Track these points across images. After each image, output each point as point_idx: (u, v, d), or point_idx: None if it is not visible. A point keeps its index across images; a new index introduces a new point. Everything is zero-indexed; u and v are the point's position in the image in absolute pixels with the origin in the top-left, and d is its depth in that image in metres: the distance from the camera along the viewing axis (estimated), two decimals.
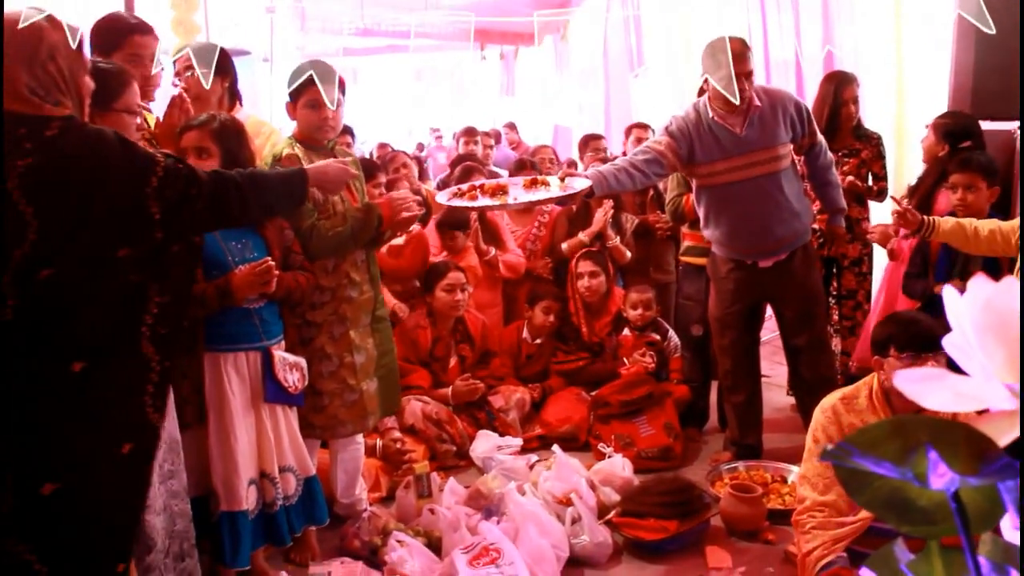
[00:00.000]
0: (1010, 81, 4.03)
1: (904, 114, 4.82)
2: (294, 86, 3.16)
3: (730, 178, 3.81)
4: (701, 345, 4.62)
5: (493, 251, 4.80)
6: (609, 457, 3.98)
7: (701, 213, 4.02)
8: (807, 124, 3.88)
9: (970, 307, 0.72)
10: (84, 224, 1.94)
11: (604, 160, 5.22)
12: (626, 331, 4.64)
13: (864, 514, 2.79)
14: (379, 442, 3.86)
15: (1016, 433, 0.71)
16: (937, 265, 3.79)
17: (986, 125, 4.17)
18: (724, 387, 4.24)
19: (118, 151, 2.00)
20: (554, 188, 3.21)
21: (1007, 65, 4.03)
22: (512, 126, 10.61)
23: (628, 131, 6.49)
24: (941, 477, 0.73)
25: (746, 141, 3.77)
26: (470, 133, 6.72)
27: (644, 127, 6.53)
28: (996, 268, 3.60)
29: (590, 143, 6.41)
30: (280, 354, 2.88)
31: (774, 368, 5.16)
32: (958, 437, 0.72)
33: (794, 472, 3.92)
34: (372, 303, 3.31)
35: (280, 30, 10.30)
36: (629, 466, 3.87)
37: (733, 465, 4.05)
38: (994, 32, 3.71)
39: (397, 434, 3.95)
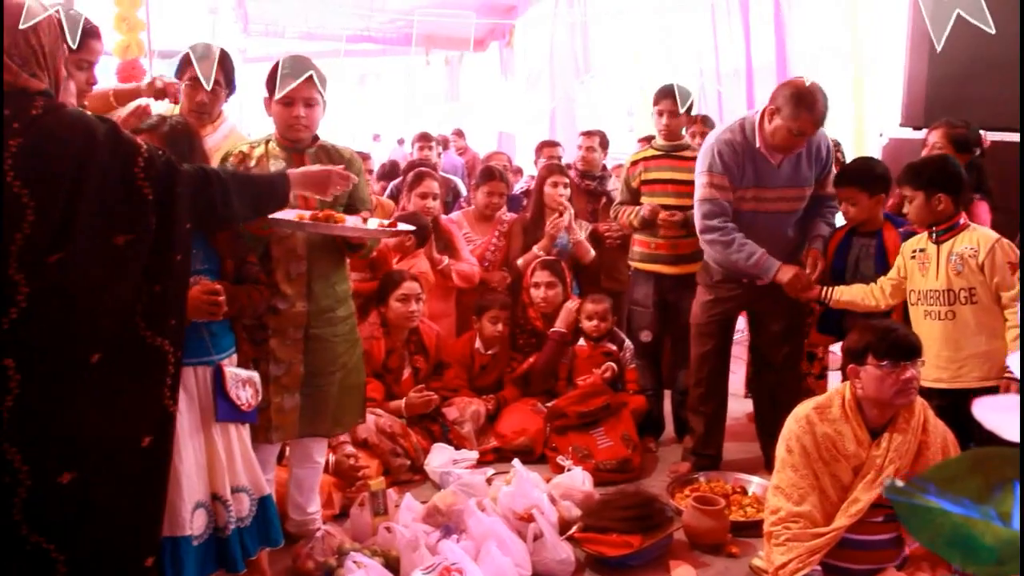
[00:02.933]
0: (962, 91, 4.06)
1: (863, 121, 4.83)
2: (273, 82, 3.06)
3: (755, 207, 3.81)
4: (652, 352, 4.58)
5: (446, 260, 4.70)
6: (568, 470, 3.89)
7: None
8: (827, 174, 3.91)
9: None
10: (78, 206, 1.94)
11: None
12: (582, 341, 4.56)
13: (839, 524, 2.75)
14: (331, 457, 3.73)
15: None
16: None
17: None
18: (694, 396, 4.18)
19: (103, 131, 1.99)
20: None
21: (959, 75, 4.07)
22: (459, 132, 10.53)
23: (539, 149, 6.48)
24: None
25: (780, 176, 3.78)
26: (425, 139, 6.62)
27: (554, 144, 6.54)
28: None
29: (545, 149, 6.37)
30: (232, 370, 2.73)
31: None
32: None
33: (754, 483, 3.90)
34: (304, 319, 3.12)
35: (222, 32, 10.10)
36: (589, 479, 3.79)
37: (693, 476, 4.00)
38: (994, 31, 3.73)
39: (350, 448, 3.82)
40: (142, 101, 3.32)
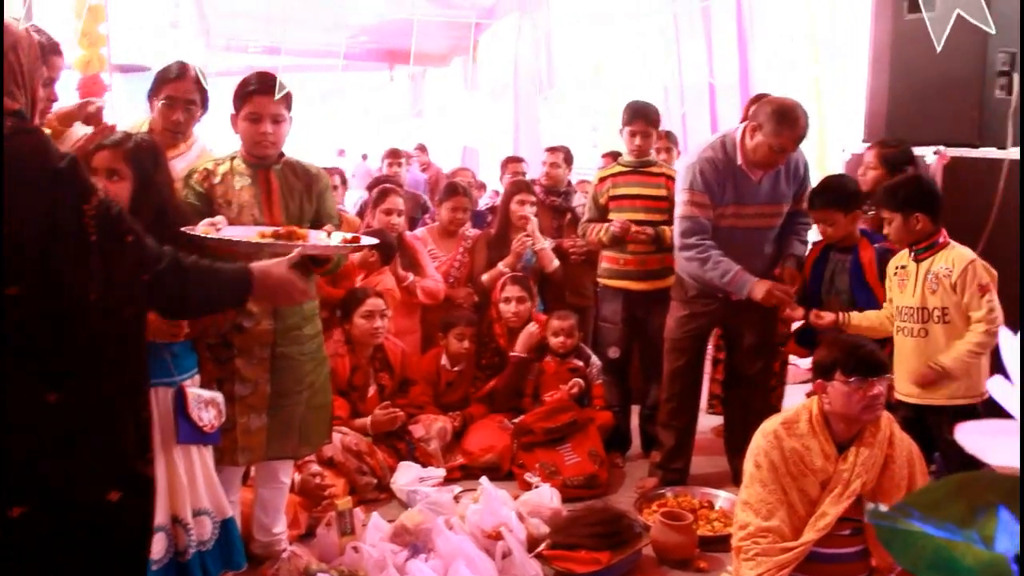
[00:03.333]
0: (923, 107, 4.11)
1: (825, 136, 4.88)
2: (240, 98, 3.04)
3: (734, 223, 3.84)
4: (620, 368, 4.58)
5: (411, 276, 4.67)
6: (536, 487, 3.88)
7: None
8: (804, 190, 3.95)
9: None
10: (35, 234, 1.82)
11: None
12: (548, 358, 4.55)
13: (807, 538, 2.76)
14: (297, 476, 3.68)
15: None
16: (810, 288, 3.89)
17: None
18: (666, 410, 4.18)
19: (64, 164, 1.88)
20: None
21: (920, 91, 4.11)
22: (422, 148, 10.52)
23: (504, 165, 6.49)
24: (1012, 539, 0.65)
25: (759, 192, 3.82)
26: (394, 155, 6.58)
27: (518, 160, 6.56)
28: (864, 288, 3.69)
29: (509, 165, 6.37)
30: (194, 391, 2.69)
31: None
32: None
33: (721, 497, 3.90)
34: (270, 337, 3.07)
35: (184, 46, 10.01)
36: (557, 496, 3.78)
37: (660, 491, 4.00)
38: (994, 33, 3.77)
39: (316, 467, 3.77)
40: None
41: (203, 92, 3.36)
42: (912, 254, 3.38)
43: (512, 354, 4.55)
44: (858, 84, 4.59)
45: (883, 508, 0.67)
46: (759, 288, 3.71)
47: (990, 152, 4.06)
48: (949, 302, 3.24)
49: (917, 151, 4.13)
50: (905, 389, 3.34)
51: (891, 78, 4.22)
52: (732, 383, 4.25)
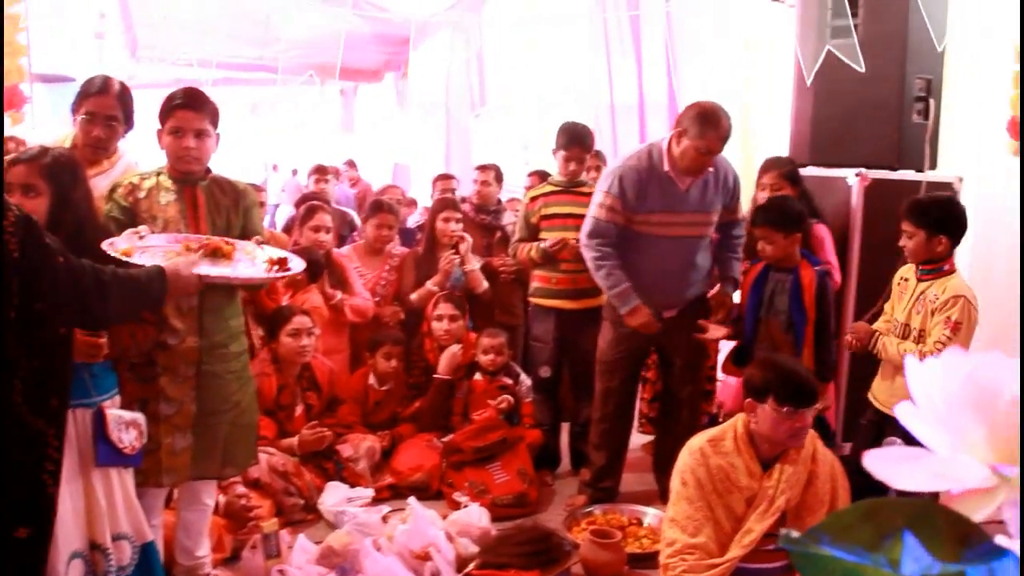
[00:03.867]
0: (845, 131, 4.22)
1: (752, 158, 4.96)
2: (165, 113, 2.99)
3: (662, 232, 3.87)
4: (550, 387, 4.59)
5: (339, 295, 4.62)
6: (464, 506, 3.86)
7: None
8: (736, 200, 4.01)
9: (945, 380, 0.66)
10: None
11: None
12: (478, 375, 4.54)
13: (733, 554, 2.79)
14: (221, 498, 3.61)
15: (991, 509, 0.66)
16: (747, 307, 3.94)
17: (824, 172, 4.34)
18: (598, 430, 4.19)
19: None
20: (260, 263, 2.98)
21: (843, 116, 4.22)
22: (351, 163, 10.44)
23: (434, 182, 6.51)
24: (916, 563, 0.66)
25: (687, 200, 3.85)
26: (321, 171, 6.49)
27: (449, 178, 6.58)
28: (802, 310, 3.76)
29: (439, 182, 6.36)
30: (114, 412, 2.62)
31: None
32: (938, 522, 0.66)
33: (650, 514, 3.94)
34: (195, 354, 3.01)
35: (109, 57, 9.80)
36: (486, 515, 3.76)
37: (589, 509, 4.02)
38: (863, 70, 3.89)
39: (241, 489, 3.70)
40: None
41: (127, 107, 3.28)
42: (917, 271, 3.40)
43: (436, 376, 4.53)
44: (784, 107, 4.68)
45: (795, 534, 0.68)
46: (637, 315, 3.84)
47: (908, 174, 4.19)
48: (927, 325, 3.28)
49: (839, 172, 4.25)
50: (880, 394, 3.44)
51: (815, 103, 4.33)
52: (664, 402, 4.30)
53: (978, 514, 0.67)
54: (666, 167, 3.81)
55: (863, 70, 4.05)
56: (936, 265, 3.34)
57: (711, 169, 3.84)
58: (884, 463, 0.67)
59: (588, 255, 3.91)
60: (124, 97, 3.27)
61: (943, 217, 3.33)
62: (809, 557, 0.70)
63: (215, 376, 3.07)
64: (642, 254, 3.89)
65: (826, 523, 0.68)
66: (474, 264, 4.86)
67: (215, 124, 3.04)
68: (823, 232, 4.05)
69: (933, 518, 0.66)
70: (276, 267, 2.92)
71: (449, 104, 10.34)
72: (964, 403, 0.65)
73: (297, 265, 3.01)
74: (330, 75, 13.29)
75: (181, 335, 2.98)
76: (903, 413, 0.72)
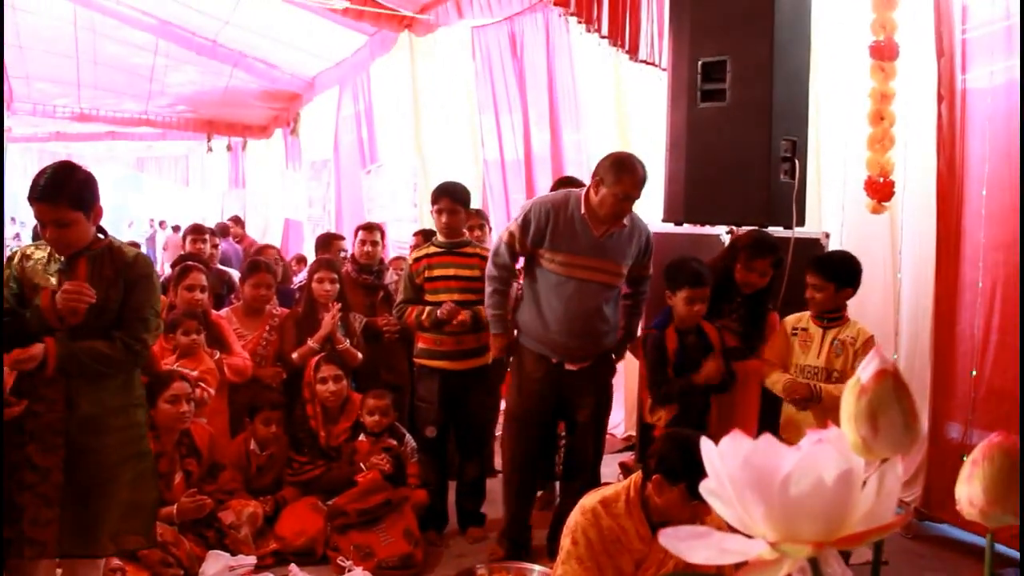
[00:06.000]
0: (716, 189, 4.39)
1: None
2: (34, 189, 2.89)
3: (572, 273, 3.92)
4: (436, 446, 4.58)
5: (218, 354, 4.54)
6: (349, 570, 3.82)
7: (524, 298, 4.10)
8: (648, 257, 4.13)
9: (727, 463, 0.72)
10: None
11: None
12: (362, 437, 4.50)
13: None
14: None
15: None
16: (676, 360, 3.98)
17: (697, 230, 4.49)
18: (508, 482, 4.25)
19: None
20: None
21: (714, 175, 4.39)
22: (237, 219, 10.32)
23: (325, 242, 6.53)
24: None
25: (601, 247, 3.92)
26: (197, 231, 6.38)
27: (339, 238, 6.61)
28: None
29: (332, 243, 6.35)
30: None
31: None
32: None
33: (536, 571, 3.93)
34: (62, 425, 2.90)
35: None
36: None
37: (475, 567, 4.00)
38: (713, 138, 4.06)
39: (116, 562, 3.57)
40: None
41: None
42: (823, 321, 3.81)
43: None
44: (659, 168, 4.83)
45: None
46: (497, 340, 4.12)
47: (777, 231, 4.36)
48: (847, 367, 3.63)
49: (712, 230, 4.39)
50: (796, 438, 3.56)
51: (687, 162, 4.48)
52: (567, 462, 4.37)
53: None
54: (582, 210, 3.91)
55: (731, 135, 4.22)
56: (838, 313, 3.81)
57: (627, 224, 3.95)
58: (676, 540, 0.72)
59: (488, 272, 4.13)
60: None
61: (852, 272, 3.79)
62: None
63: (87, 450, 2.96)
64: (552, 295, 3.96)
65: None
66: (345, 343, 4.87)
67: (82, 206, 2.90)
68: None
69: None
70: None
71: (339, 160, 10.35)
72: (744, 484, 0.70)
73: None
74: (217, 131, 13.22)
75: (51, 403, 2.89)
76: (705, 489, 0.77)
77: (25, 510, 2.83)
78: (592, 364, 4.05)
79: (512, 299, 4.25)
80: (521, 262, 4.15)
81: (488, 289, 4.11)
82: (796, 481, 0.69)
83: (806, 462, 0.70)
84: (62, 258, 2.95)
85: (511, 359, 4.23)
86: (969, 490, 0.81)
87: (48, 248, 2.97)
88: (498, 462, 5.36)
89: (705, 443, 0.75)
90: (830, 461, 0.70)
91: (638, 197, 3.91)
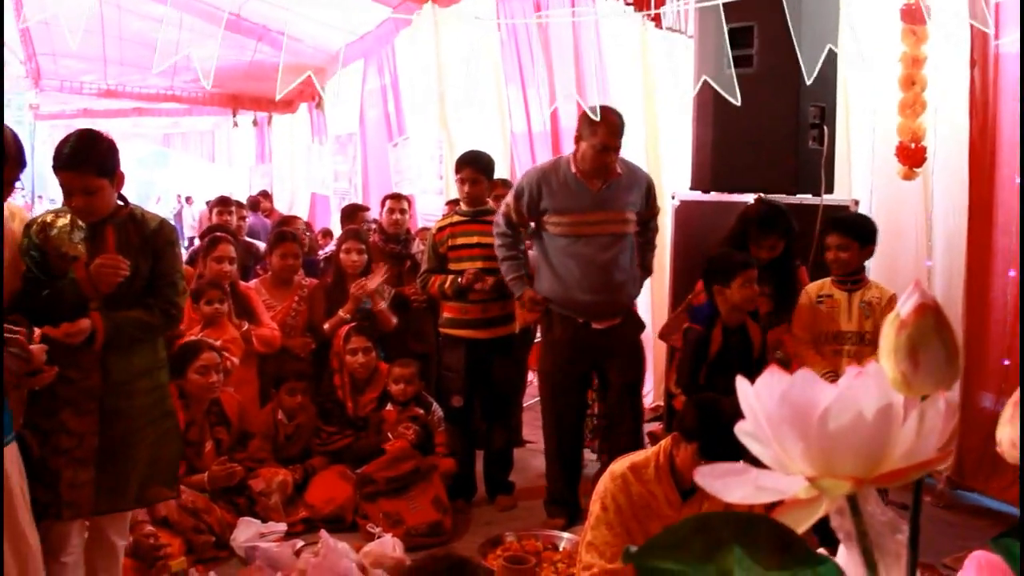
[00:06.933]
0: (744, 157, 4.35)
1: (658, 183, 5.03)
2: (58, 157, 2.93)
3: (579, 231, 4.01)
4: (463, 415, 4.60)
5: (246, 325, 4.58)
6: (378, 537, 3.85)
7: (540, 265, 4.17)
8: (652, 199, 4.24)
9: (765, 400, 0.71)
10: None
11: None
12: (389, 406, 4.52)
13: None
14: (128, 538, 3.52)
15: (814, 520, 0.71)
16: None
17: (725, 197, 4.46)
18: (550, 448, 4.32)
19: None
20: None
21: (741, 143, 4.35)
22: (265, 194, 10.36)
23: (351, 214, 6.56)
24: (747, 573, 0.70)
25: (600, 200, 4.01)
26: (223, 203, 6.43)
27: (363, 209, 6.65)
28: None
29: (357, 214, 6.38)
30: None
31: (536, 433, 5.14)
32: (760, 531, 0.70)
33: (565, 538, 3.95)
34: (98, 391, 2.95)
35: (12, 88, 9.58)
36: (400, 545, 3.76)
37: (504, 535, 4.02)
38: (739, 105, 4.03)
39: (149, 528, 3.63)
40: None
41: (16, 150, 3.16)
42: (845, 284, 3.80)
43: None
44: (686, 135, 4.81)
45: (633, 549, 0.71)
46: (524, 297, 4.17)
47: (805, 198, 4.32)
48: (877, 327, 3.60)
49: (739, 197, 4.36)
50: None
51: (714, 130, 4.45)
52: (604, 428, 4.39)
53: (803, 524, 0.71)
54: (573, 170, 3.99)
55: (739, 103, 4.17)
56: (858, 276, 3.82)
57: (618, 173, 4.01)
58: (712, 478, 0.71)
59: (496, 242, 4.24)
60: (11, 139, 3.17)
61: (871, 229, 3.84)
62: (650, 570, 0.73)
63: (118, 412, 3.01)
64: (565, 256, 4.04)
65: (661, 537, 0.71)
66: (384, 303, 4.87)
67: (106, 172, 2.93)
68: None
69: (757, 529, 0.70)
70: None
71: (365, 134, 10.33)
72: (781, 421, 0.70)
73: None
74: (242, 106, 13.23)
75: (86, 370, 2.93)
76: (740, 431, 0.76)
77: (61, 474, 2.88)
78: (620, 323, 4.09)
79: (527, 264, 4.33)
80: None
81: (499, 257, 4.21)
82: (835, 416, 0.68)
83: (845, 396, 0.69)
84: (83, 225, 2.96)
85: (540, 327, 4.26)
86: (1011, 431, 0.79)
87: (68, 215, 2.97)
88: (526, 432, 5.40)
89: (741, 383, 0.74)
90: (870, 396, 0.69)
91: (617, 146, 3.99)
